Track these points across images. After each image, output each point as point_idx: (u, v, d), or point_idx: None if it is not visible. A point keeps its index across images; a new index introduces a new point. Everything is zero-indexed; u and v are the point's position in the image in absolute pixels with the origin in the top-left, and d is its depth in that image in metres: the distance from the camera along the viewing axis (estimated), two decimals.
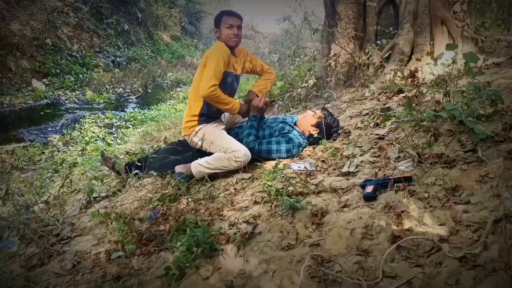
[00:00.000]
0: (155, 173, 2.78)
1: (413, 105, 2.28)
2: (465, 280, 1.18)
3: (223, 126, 2.99)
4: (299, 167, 2.43)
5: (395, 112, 2.81)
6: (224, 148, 2.70)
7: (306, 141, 2.88)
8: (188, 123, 2.88)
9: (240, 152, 2.65)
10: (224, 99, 2.74)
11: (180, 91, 11.38)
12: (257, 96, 3.00)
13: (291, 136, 2.80)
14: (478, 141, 1.94)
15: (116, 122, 7.74)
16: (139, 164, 2.95)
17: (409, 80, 2.43)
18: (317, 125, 2.87)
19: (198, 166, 2.75)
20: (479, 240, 1.32)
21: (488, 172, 1.72)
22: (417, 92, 2.60)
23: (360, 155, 2.43)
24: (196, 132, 2.86)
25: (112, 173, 3.28)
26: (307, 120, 2.93)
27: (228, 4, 24.89)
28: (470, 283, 1.16)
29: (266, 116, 3.17)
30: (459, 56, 2.47)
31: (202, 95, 2.69)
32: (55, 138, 6.48)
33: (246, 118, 3.03)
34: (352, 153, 2.48)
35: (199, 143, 2.85)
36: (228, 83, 2.84)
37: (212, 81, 2.61)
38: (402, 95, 3.25)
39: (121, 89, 11.01)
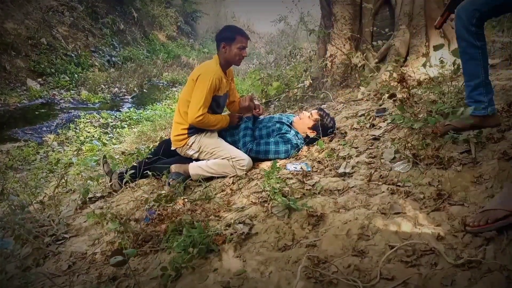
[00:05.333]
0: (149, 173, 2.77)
1: (405, 107, 2.29)
2: (460, 281, 1.19)
3: (216, 132, 2.93)
4: (295, 168, 2.43)
5: (391, 113, 2.82)
6: (227, 156, 2.69)
7: (303, 141, 2.88)
8: (178, 136, 2.83)
9: (245, 160, 2.67)
10: (212, 122, 2.76)
11: (176, 91, 11.35)
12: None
13: (289, 137, 2.80)
14: (473, 142, 1.96)
15: (112, 122, 7.71)
16: (132, 170, 2.89)
17: (399, 83, 2.43)
18: (314, 128, 2.87)
19: (197, 168, 2.74)
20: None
21: (483, 173, 1.73)
22: (408, 95, 2.60)
23: (356, 156, 2.44)
24: (190, 145, 2.82)
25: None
26: (304, 122, 2.92)
27: (224, 4, 24.84)
28: (465, 284, 1.17)
29: (261, 116, 3.16)
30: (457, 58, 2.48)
31: (190, 123, 2.72)
32: (50, 138, 6.45)
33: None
34: (348, 154, 2.49)
35: (195, 155, 2.84)
36: (220, 105, 2.89)
37: (201, 111, 2.64)
38: (394, 98, 3.26)
39: (116, 89, 10.96)
